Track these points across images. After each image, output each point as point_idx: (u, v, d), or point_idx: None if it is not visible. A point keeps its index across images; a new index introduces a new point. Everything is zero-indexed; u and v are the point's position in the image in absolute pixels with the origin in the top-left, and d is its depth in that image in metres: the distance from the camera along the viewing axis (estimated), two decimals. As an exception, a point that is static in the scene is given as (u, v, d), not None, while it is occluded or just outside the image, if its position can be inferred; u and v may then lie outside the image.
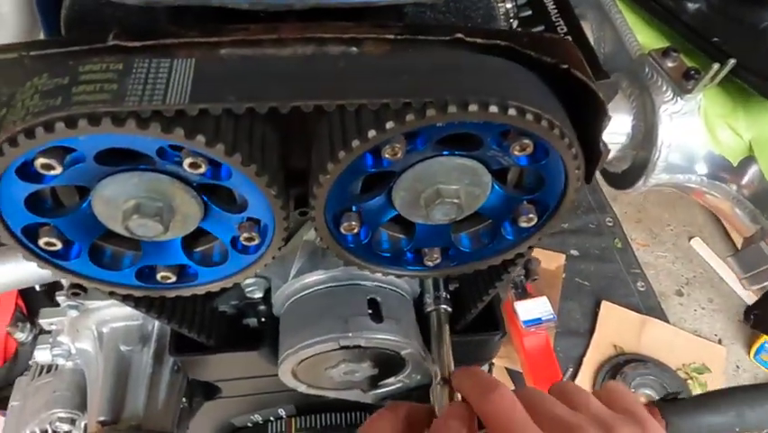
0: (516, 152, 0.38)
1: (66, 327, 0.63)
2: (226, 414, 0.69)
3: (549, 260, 2.18)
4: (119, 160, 0.36)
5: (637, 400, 0.45)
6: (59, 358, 0.64)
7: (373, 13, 0.39)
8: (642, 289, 2.15)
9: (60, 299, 0.60)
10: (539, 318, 1.77)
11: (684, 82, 0.58)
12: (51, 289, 0.73)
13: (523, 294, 1.90)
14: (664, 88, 0.59)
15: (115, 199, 0.38)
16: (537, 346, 1.78)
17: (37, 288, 0.77)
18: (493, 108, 0.34)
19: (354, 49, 0.37)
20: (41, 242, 0.40)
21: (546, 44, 0.38)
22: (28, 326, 0.74)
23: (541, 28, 0.62)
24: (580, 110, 0.39)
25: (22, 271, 0.70)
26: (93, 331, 0.61)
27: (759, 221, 0.59)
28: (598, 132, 0.39)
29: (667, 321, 2.07)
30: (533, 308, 1.80)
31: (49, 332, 0.67)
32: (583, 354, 1.96)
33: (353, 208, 0.42)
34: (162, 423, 0.57)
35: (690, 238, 2.28)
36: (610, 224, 2.32)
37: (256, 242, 0.42)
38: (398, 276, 0.49)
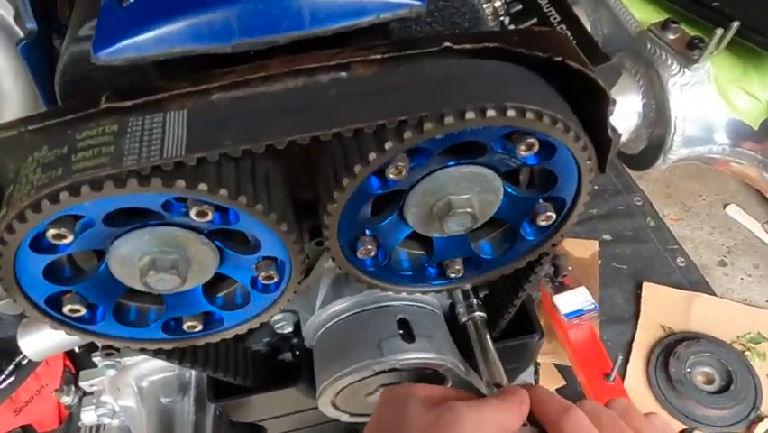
0: (522, 153, 0.37)
1: (107, 386, 0.64)
2: (274, 452, 0.68)
3: (582, 248, 2.13)
4: (128, 219, 0.37)
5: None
6: (105, 417, 0.65)
7: (358, 36, 0.38)
8: (682, 264, 2.09)
9: (97, 359, 0.60)
10: (581, 309, 1.73)
11: (689, 52, 0.56)
12: (92, 348, 0.74)
13: (560, 287, 1.86)
14: (669, 62, 0.57)
15: (131, 258, 0.39)
16: (583, 338, 1.74)
17: (77, 349, 0.78)
18: (491, 113, 0.33)
19: (344, 73, 0.36)
20: (66, 309, 0.40)
21: (537, 39, 0.37)
22: (73, 388, 0.75)
23: (533, 21, 0.61)
24: (583, 100, 0.38)
25: (56, 336, 0.71)
26: (133, 387, 0.62)
27: (791, 182, 0.56)
28: (605, 119, 0.38)
29: (714, 294, 2.00)
30: (573, 300, 1.76)
31: (92, 393, 0.68)
32: (632, 340, 1.91)
33: (367, 232, 0.42)
34: (211, 470, 0.57)
35: (724, 206, 2.21)
36: (639, 203, 2.26)
37: (275, 280, 0.42)
38: (424, 293, 0.48)
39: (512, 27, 0.58)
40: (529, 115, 0.34)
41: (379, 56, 0.35)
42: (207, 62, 0.36)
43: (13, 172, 0.37)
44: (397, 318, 0.51)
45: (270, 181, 0.38)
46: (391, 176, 0.36)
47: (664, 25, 0.58)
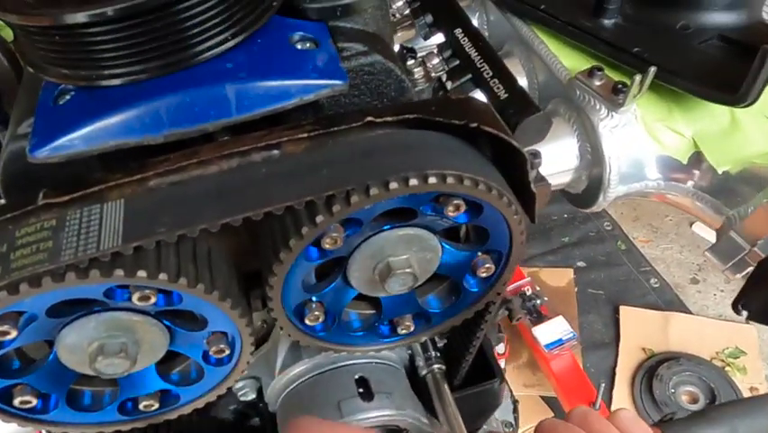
0: (451, 213, 0.39)
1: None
2: None
3: (558, 277, 2.16)
4: (72, 308, 0.37)
5: (637, 419, 0.46)
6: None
7: (289, 114, 0.40)
8: (656, 285, 2.13)
9: None
10: (560, 339, 1.74)
11: (615, 97, 0.59)
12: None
13: (539, 318, 1.87)
14: (598, 107, 0.61)
15: (79, 345, 0.39)
16: (565, 368, 1.74)
17: None
18: (413, 181, 0.35)
19: (276, 152, 0.38)
20: (17, 402, 0.40)
21: (454, 107, 0.39)
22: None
23: (468, 77, 0.64)
24: (505, 159, 0.41)
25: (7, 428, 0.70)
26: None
27: (722, 211, 0.59)
28: (525, 174, 0.40)
29: (689, 312, 2.04)
30: (551, 331, 1.77)
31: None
32: (614, 365, 1.92)
33: (314, 298, 0.43)
34: None
35: (691, 224, 2.27)
36: (609, 228, 2.31)
37: (227, 353, 0.42)
38: (377, 351, 0.49)
39: (454, 88, 0.61)
40: (450, 180, 0.36)
41: (305, 134, 0.37)
42: (143, 152, 0.38)
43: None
44: (356, 377, 0.52)
45: (213, 259, 0.40)
46: (327, 246, 0.38)
47: (590, 72, 0.62)
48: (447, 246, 0.43)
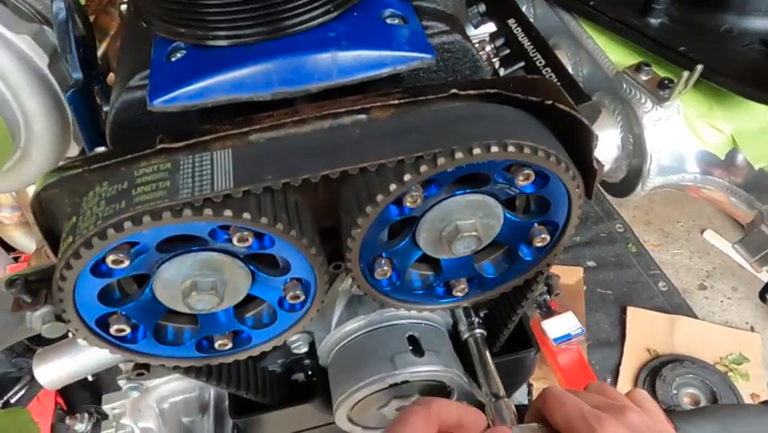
0: (521, 182, 0.42)
1: (128, 408, 0.67)
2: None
3: (568, 275, 2.20)
4: (176, 246, 0.41)
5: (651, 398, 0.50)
6: (125, 440, 0.68)
7: (376, 84, 0.44)
8: (664, 289, 2.16)
9: (122, 382, 0.63)
10: (568, 334, 1.78)
11: (660, 92, 0.63)
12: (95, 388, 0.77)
13: (548, 313, 1.92)
14: (643, 100, 0.64)
15: (174, 281, 0.43)
16: (571, 362, 1.78)
17: (89, 378, 0.81)
18: (494, 149, 0.39)
19: (364, 116, 0.42)
20: (113, 330, 0.44)
21: (530, 85, 0.43)
22: (86, 416, 0.77)
23: (521, 64, 0.68)
24: (570, 136, 0.44)
25: (70, 365, 0.75)
26: (154, 409, 0.65)
27: (755, 206, 0.63)
28: (590, 151, 0.43)
29: (695, 317, 2.07)
30: (560, 325, 1.81)
31: (108, 418, 0.70)
32: (619, 364, 1.96)
33: (384, 255, 0.47)
34: (232, 485, 0.60)
35: (702, 231, 2.30)
36: (621, 230, 2.34)
37: (301, 299, 0.46)
38: (432, 310, 0.53)
39: (508, 74, 0.65)
40: (527, 150, 0.40)
41: (395, 101, 0.41)
42: (248, 109, 0.41)
43: (70, 207, 0.42)
44: (407, 335, 0.56)
45: (301, 212, 0.44)
46: (408, 204, 0.42)
47: (638, 68, 0.66)
48: (509, 215, 0.47)
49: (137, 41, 0.46)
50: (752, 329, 2.01)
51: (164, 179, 0.38)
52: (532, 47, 0.68)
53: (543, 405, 0.48)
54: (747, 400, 1.83)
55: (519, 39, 0.70)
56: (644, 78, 0.65)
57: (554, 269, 2.09)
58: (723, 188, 0.65)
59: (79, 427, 0.76)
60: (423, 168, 0.39)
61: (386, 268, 0.47)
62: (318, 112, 0.40)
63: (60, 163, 0.41)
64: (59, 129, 0.67)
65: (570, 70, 0.79)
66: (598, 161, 0.47)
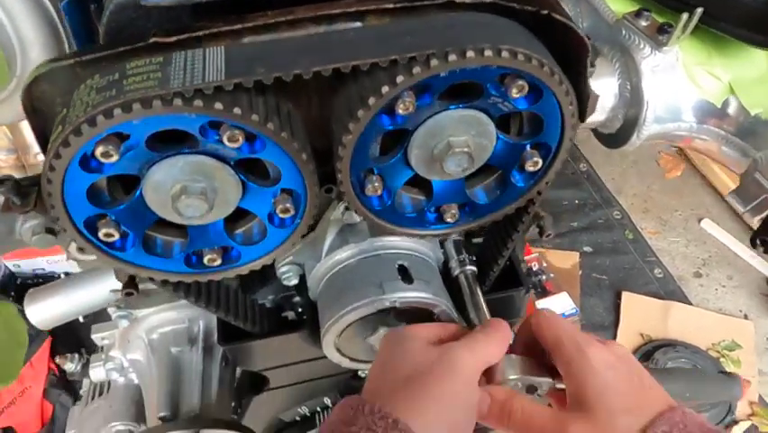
0: (514, 94, 0.42)
1: (117, 340, 0.67)
2: (274, 409, 0.71)
3: (563, 259, 2.20)
4: (166, 145, 0.41)
5: None
6: (113, 372, 0.67)
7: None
8: (660, 275, 2.16)
9: (111, 310, 0.63)
10: (562, 314, 1.79)
11: (659, 37, 0.63)
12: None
13: (543, 293, 1.93)
14: (642, 46, 0.64)
15: (164, 184, 0.43)
16: (565, 342, 1.79)
17: (81, 319, 0.81)
18: (488, 53, 0.39)
19: (359, 23, 0.42)
20: (101, 233, 0.44)
21: (527, -2, 0.43)
22: (76, 357, 0.77)
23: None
24: (565, 54, 0.44)
25: (61, 305, 0.75)
26: (143, 339, 0.65)
27: (749, 153, 0.63)
28: (584, 68, 0.43)
29: (690, 304, 2.07)
30: (555, 305, 1.82)
31: (97, 352, 0.71)
32: (612, 347, 1.95)
33: (375, 171, 0.47)
34: (217, 412, 0.60)
35: (699, 220, 2.30)
36: (618, 216, 2.34)
37: (291, 213, 0.46)
38: (423, 236, 0.53)
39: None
40: (520, 57, 0.40)
41: (391, 5, 0.41)
42: (239, 8, 0.41)
43: (61, 105, 0.42)
44: (397, 265, 0.56)
45: (292, 119, 0.43)
46: (400, 111, 0.41)
47: (638, 13, 0.65)
48: (501, 136, 0.47)
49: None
50: (745, 317, 2.02)
51: (156, 70, 0.38)
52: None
53: (535, 323, 0.49)
54: (738, 386, 1.83)
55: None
56: (643, 23, 0.64)
57: (550, 253, 2.09)
58: (718, 138, 0.65)
59: (69, 366, 0.76)
60: (416, 69, 0.39)
61: (377, 184, 0.47)
62: (313, 12, 0.40)
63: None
64: (52, 34, 0.66)
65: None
66: (593, 92, 0.47)
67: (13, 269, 1.83)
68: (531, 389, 0.51)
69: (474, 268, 0.60)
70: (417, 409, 0.43)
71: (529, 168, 0.48)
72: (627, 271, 2.18)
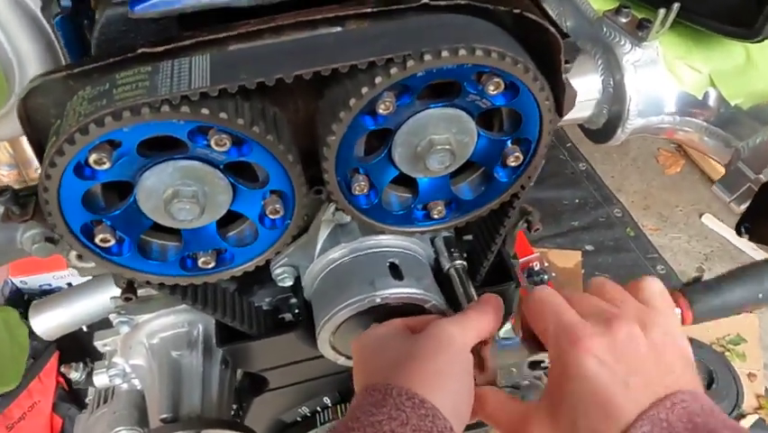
0: (491, 92, 0.44)
1: (119, 346, 0.68)
2: (275, 410, 0.73)
3: (566, 259, 2.21)
4: (156, 151, 0.43)
5: (663, 291, 0.49)
6: (116, 378, 0.69)
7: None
8: (662, 272, 2.16)
9: (112, 316, 0.65)
10: (565, 313, 1.79)
11: (639, 32, 0.64)
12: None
13: (545, 293, 1.93)
14: (623, 42, 0.65)
15: (156, 190, 0.45)
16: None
17: (84, 328, 0.83)
18: (462, 52, 0.41)
19: (339, 28, 0.44)
20: (98, 239, 0.46)
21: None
22: (81, 366, 0.79)
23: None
24: (541, 52, 0.46)
25: (65, 315, 0.76)
26: (144, 344, 0.67)
27: (732, 143, 0.64)
28: (559, 64, 0.45)
29: (693, 299, 2.07)
30: (557, 304, 1.82)
31: (101, 360, 0.72)
32: (616, 344, 1.96)
33: (361, 170, 0.48)
34: (218, 414, 0.61)
35: (700, 215, 2.30)
36: (619, 214, 2.35)
37: (281, 214, 0.48)
38: (411, 234, 0.54)
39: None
40: (494, 56, 0.41)
41: (369, 10, 0.42)
42: (224, 17, 0.43)
43: (55, 117, 0.44)
44: (388, 262, 0.57)
45: (278, 122, 0.45)
46: (381, 111, 0.43)
47: (618, 10, 0.67)
48: (482, 133, 0.49)
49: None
50: (750, 311, 2.02)
51: (144, 79, 0.40)
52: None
53: (524, 309, 0.48)
54: (744, 379, 1.83)
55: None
56: (623, 20, 0.66)
57: (552, 253, 2.10)
58: (700, 129, 0.66)
59: (74, 375, 0.78)
60: (393, 70, 0.40)
61: (363, 184, 0.48)
62: (294, 19, 0.42)
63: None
64: (48, 49, 0.68)
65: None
66: (568, 83, 0.48)
67: (20, 285, 1.86)
68: (534, 364, 0.50)
69: (464, 262, 0.62)
70: (420, 383, 0.43)
71: (511, 163, 0.50)
72: (630, 268, 2.18)
